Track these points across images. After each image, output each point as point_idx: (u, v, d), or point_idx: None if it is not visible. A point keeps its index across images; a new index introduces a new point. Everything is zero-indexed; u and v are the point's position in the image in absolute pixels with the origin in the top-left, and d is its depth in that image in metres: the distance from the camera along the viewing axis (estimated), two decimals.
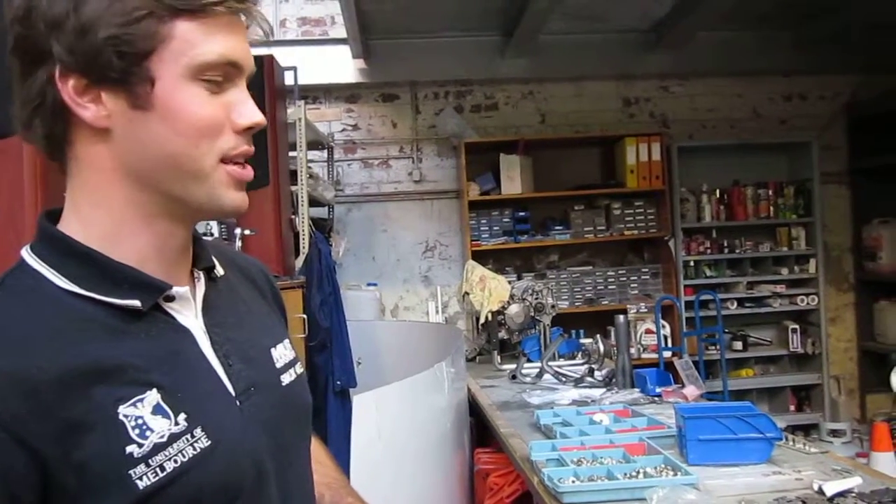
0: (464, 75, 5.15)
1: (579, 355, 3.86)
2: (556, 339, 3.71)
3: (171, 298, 0.81)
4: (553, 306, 4.08)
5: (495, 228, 5.04)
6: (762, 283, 5.31)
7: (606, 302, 5.11)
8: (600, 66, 5.18)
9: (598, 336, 3.59)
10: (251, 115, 0.80)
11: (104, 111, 0.76)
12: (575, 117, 5.30)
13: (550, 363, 3.55)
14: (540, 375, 3.47)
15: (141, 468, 0.72)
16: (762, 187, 5.35)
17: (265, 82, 3.23)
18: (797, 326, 5.32)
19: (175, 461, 0.74)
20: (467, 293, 4.30)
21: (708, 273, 5.30)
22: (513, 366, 3.72)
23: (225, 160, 0.79)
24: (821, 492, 1.71)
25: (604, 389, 3.09)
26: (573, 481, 1.84)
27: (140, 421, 0.74)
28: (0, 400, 0.68)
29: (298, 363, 0.95)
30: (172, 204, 0.80)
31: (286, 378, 0.91)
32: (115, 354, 0.75)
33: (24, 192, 1.74)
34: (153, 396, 0.75)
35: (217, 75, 0.78)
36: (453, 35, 4.90)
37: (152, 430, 0.74)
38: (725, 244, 5.30)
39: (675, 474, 1.84)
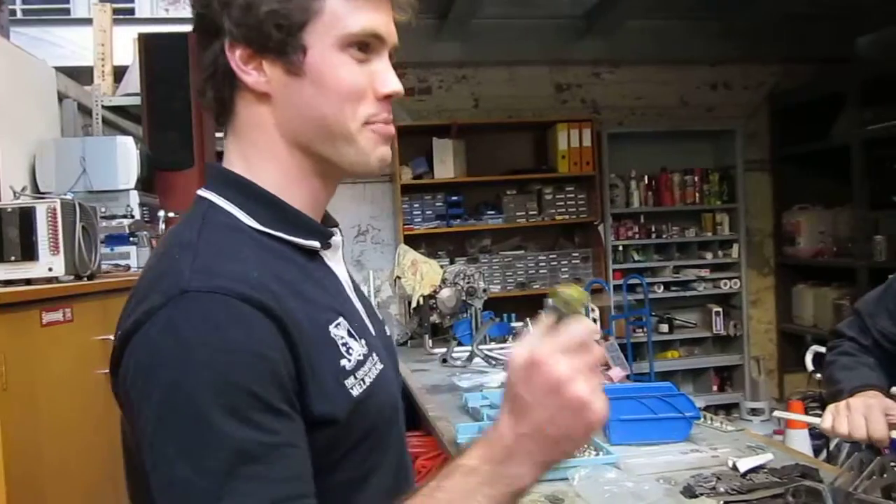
0: (397, 58, 5.10)
1: (510, 339, 3.90)
2: (485, 323, 3.73)
3: (328, 246, 0.93)
4: (485, 290, 4.11)
5: (428, 212, 5.04)
6: (688, 268, 5.46)
7: (538, 286, 5.17)
8: (533, 52, 5.21)
9: (527, 319, 3.62)
10: (392, 83, 0.89)
11: (264, 77, 0.86)
12: (508, 102, 5.31)
13: (481, 347, 3.57)
14: (470, 359, 3.48)
15: (351, 379, 0.84)
16: (689, 174, 5.49)
17: (189, 59, 3.14)
18: (720, 309, 5.50)
19: (370, 377, 0.86)
20: (399, 277, 4.29)
21: (636, 257, 5.42)
22: (444, 350, 3.73)
23: (368, 123, 0.88)
24: (735, 468, 1.76)
25: None
26: None
27: (344, 340, 0.85)
28: (266, 302, 0.76)
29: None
30: (324, 164, 0.90)
31: (387, 329, 1.07)
32: (309, 284, 0.86)
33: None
34: (344, 323, 0.87)
35: (362, 46, 0.86)
36: None
37: (353, 349, 0.86)
38: (653, 229, 5.43)
39: (598, 454, 1.87)
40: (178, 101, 3.17)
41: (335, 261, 0.95)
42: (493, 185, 5.21)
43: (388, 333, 1.07)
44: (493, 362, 3.40)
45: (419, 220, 5.02)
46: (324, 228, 0.93)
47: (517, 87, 5.35)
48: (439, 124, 5.03)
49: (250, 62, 0.86)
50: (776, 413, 1.67)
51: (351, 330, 0.87)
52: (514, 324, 4.20)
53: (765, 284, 5.77)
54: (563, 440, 0.75)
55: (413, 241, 4.85)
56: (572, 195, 5.23)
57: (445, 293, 4.06)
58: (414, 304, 4.23)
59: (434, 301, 4.13)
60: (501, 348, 3.69)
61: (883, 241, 4.60)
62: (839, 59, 5.10)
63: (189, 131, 3.12)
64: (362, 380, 0.85)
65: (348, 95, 0.86)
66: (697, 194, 5.49)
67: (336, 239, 0.94)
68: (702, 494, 1.62)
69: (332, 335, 0.85)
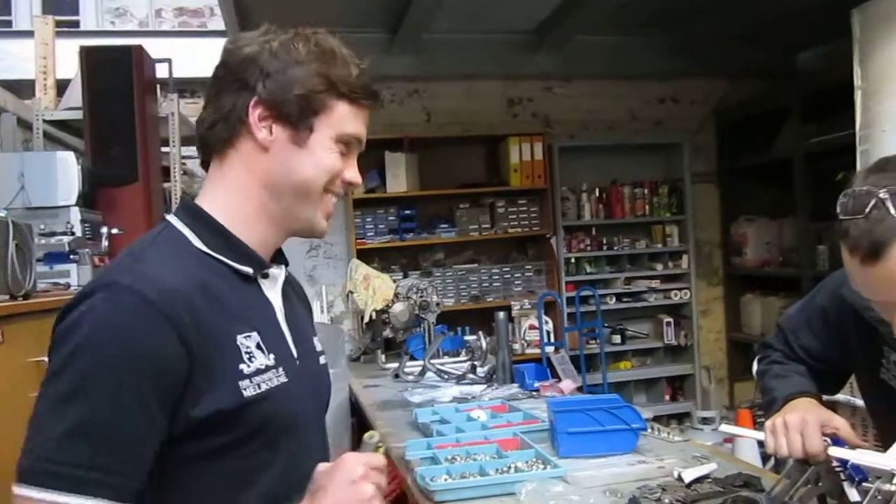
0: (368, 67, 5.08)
1: (463, 352, 3.89)
2: (438, 337, 3.72)
3: (266, 276, 1.15)
4: (438, 304, 4.10)
5: (381, 226, 5.02)
6: (639, 279, 5.52)
7: (491, 299, 5.18)
8: (485, 66, 5.23)
9: (480, 333, 3.62)
10: (356, 176, 1.17)
11: (271, 136, 1.10)
12: (460, 116, 5.33)
13: (433, 361, 3.56)
14: (423, 373, 3.47)
15: (246, 382, 1.03)
16: (638, 186, 5.57)
17: (133, 73, 3.09)
18: (671, 319, 5.58)
19: (267, 384, 1.05)
20: (351, 292, 4.26)
21: (588, 269, 5.47)
22: (397, 364, 3.71)
23: (328, 192, 1.14)
24: (680, 478, 1.78)
25: (484, 386, 3.12)
26: (446, 479, 1.84)
27: (249, 350, 1.05)
28: (172, 307, 0.97)
29: (325, 356, 1.27)
30: (284, 212, 1.13)
31: (321, 360, 1.25)
32: (235, 301, 1.07)
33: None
34: (256, 336, 1.07)
35: (347, 143, 1.14)
36: (337, 30, 4.66)
37: (256, 358, 1.05)
38: (604, 241, 5.49)
39: (545, 467, 1.87)
40: (122, 116, 3.11)
41: (272, 291, 1.16)
42: (445, 198, 5.22)
43: (323, 363, 1.26)
44: (445, 376, 3.39)
45: (372, 234, 5.00)
46: (260, 259, 1.13)
47: (469, 101, 5.37)
48: (392, 138, 5.01)
49: (264, 121, 1.10)
50: (721, 427, 1.69)
51: (261, 344, 1.07)
52: (467, 337, 4.19)
53: (714, 294, 5.87)
54: None
55: (366, 255, 4.83)
56: (525, 208, 5.26)
57: (398, 307, 4.04)
58: (367, 319, 4.20)
59: (387, 315, 4.11)
60: (455, 362, 3.68)
61: (825, 251, 4.71)
62: (783, 75, 5.24)
63: (133, 146, 3.06)
64: (258, 385, 1.04)
65: (328, 171, 1.12)
66: (647, 206, 5.58)
67: (274, 272, 1.16)
68: None
69: (238, 343, 1.04)
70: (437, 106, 5.35)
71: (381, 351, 4.12)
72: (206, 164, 1.17)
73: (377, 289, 4.14)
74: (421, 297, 4.06)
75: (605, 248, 5.49)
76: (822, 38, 4.78)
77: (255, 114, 1.09)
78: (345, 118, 1.12)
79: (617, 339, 5.49)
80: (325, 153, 1.11)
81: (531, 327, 5.11)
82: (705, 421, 5.27)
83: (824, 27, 4.04)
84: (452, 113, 5.33)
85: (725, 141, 5.76)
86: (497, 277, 5.28)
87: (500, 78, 5.42)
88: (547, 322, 5.06)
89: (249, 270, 1.11)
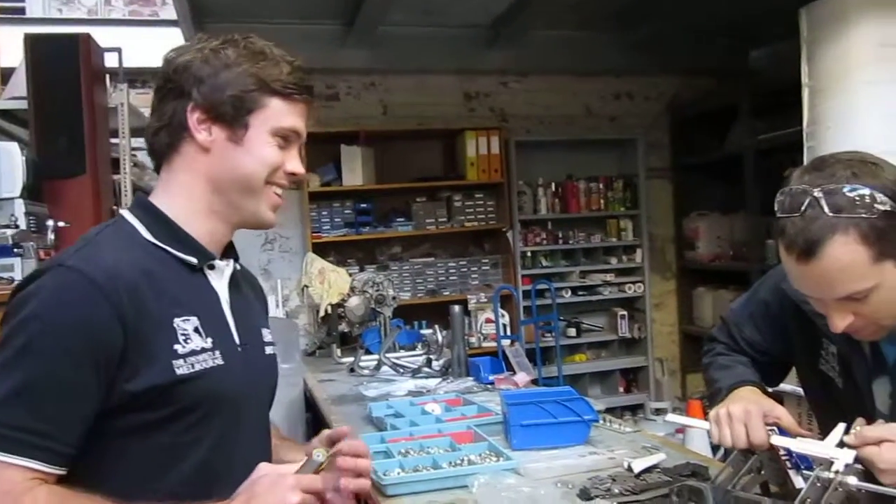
0: (303, 63, 5.03)
1: (419, 346, 3.89)
2: (393, 331, 3.71)
3: (212, 267, 1.24)
4: (394, 298, 4.09)
5: (337, 220, 4.99)
6: (594, 273, 5.58)
7: (448, 293, 5.19)
8: (442, 60, 5.22)
9: (436, 327, 3.63)
10: (298, 166, 1.24)
11: (210, 137, 1.19)
12: (417, 110, 5.32)
13: (389, 355, 3.55)
14: (378, 367, 3.46)
15: (180, 361, 1.11)
16: (593, 181, 5.63)
17: (81, 62, 3.01)
18: (625, 312, 5.65)
19: (202, 365, 1.14)
20: (307, 286, 4.23)
21: (544, 263, 5.51)
22: (352, 359, 3.69)
23: (271, 184, 1.22)
24: (630, 469, 1.81)
25: (440, 379, 3.12)
26: (398, 473, 1.84)
27: (185, 332, 1.14)
28: (113, 288, 1.06)
29: (275, 347, 1.35)
30: (230, 208, 1.22)
31: (268, 350, 1.33)
32: (177, 286, 1.16)
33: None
34: (195, 321, 1.16)
35: (285, 137, 1.21)
36: (292, 22, 4.77)
37: (192, 340, 1.14)
38: (560, 235, 5.53)
39: (498, 460, 1.88)
40: (69, 106, 3.03)
41: (219, 281, 1.25)
42: (402, 192, 5.20)
43: (270, 352, 1.34)
44: (401, 370, 3.39)
45: (328, 227, 4.97)
46: (206, 251, 1.22)
47: (426, 94, 5.36)
48: (347, 131, 4.99)
49: (203, 124, 1.19)
50: (668, 417, 1.71)
51: (200, 328, 1.16)
52: (423, 331, 4.19)
53: (667, 288, 5.97)
54: None
55: (322, 249, 4.79)
56: (481, 202, 5.27)
57: (354, 301, 4.03)
58: (322, 313, 4.17)
59: (342, 310, 4.08)
60: (411, 356, 3.68)
61: (774, 246, 4.81)
62: (735, 73, 5.33)
63: (80, 137, 2.99)
64: (192, 364, 1.12)
65: (268, 165, 1.20)
66: (602, 201, 5.64)
67: (220, 263, 1.25)
68: (597, 496, 1.65)
69: (175, 325, 1.13)
70: (394, 99, 5.33)
71: (337, 345, 4.09)
72: (158, 169, 1.26)
73: (333, 283, 4.11)
74: (377, 291, 4.05)
75: (560, 242, 5.53)
76: (773, 36, 4.88)
77: (193, 118, 1.18)
78: (279, 113, 1.20)
79: (572, 332, 5.55)
80: (262, 148, 1.19)
81: (488, 321, 5.13)
82: (658, 412, 5.36)
83: (776, 26, 4.13)
84: (409, 106, 5.32)
85: (679, 137, 5.86)
86: (454, 271, 5.29)
87: (456, 72, 5.42)
88: (503, 315, 5.09)
89: (194, 260, 1.20)
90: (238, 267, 1.32)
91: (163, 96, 1.21)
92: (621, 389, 5.76)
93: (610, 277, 5.59)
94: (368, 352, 3.80)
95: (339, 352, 4.04)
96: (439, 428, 2.20)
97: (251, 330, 1.29)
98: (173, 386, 1.10)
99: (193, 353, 1.13)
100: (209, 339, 1.16)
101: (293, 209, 5.06)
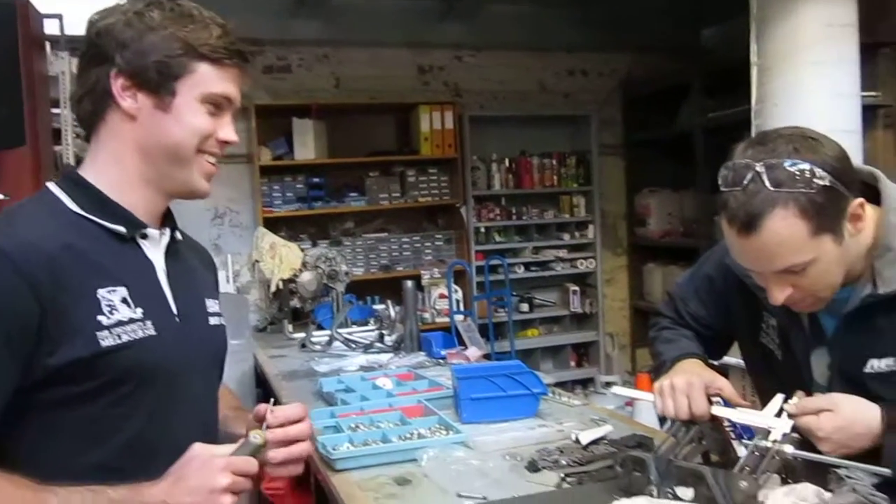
0: (254, 34, 4.93)
1: (372, 322, 3.88)
2: (345, 306, 3.69)
3: (144, 236, 1.18)
4: (347, 273, 4.06)
5: (288, 195, 4.92)
6: (546, 248, 5.62)
7: (401, 268, 5.17)
8: (395, 33, 5.16)
9: (389, 302, 3.62)
10: (230, 134, 1.19)
11: (136, 104, 1.14)
12: (370, 83, 5.24)
13: (341, 330, 3.53)
14: (330, 343, 3.44)
15: (105, 333, 1.07)
16: (547, 157, 5.65)
17: (19, 29, 2.89)
18: (577, 288, 5.71)
19: (129, 336, 1.09)
20: (257, 261, 4.18)
21: (497, 239, 5.53)
22: (304, 334, 3.67)
23: (203, 152, 1.17)
24: (577, 441, 1.83)
25: (392, 354, 3.12)
26: (348, 447, 1.83)
27: (111, 303, 1.09)
28: (26, 261, 1.02)
29: (222, 318, 1.31)
30: (161, 178, 1.18)
31: (213, 321, 1.28)
32: (102, 257, 1.11)
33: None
34: (123, 291, 1.11)
35: (216, 103, 1.17)
36: None
37: (118, 311, 1.09)
38: (513, 211, 5.55)
39: (448, 433, 1.89)
40: (6, 75, 2.90)
41: (154, 250, 1.20)
42: (355, 166, 5.15)
43: (215, 323, 1.29)
44: (353, 345, 3.38)
45: (279, 202, 4.90)
46: (135, 220, 1.17)
47: (379, 68, 5.29)
48: (299, 104, 4.90)
49: (128, 90, 1.14)
50: (614, 390, 1.74)
51: (127, 298, 1.11)
52: (376, 306, 4.18)
53: (618, 264, 6.04)
54: None
55: (273, 224, 4.73)
56: (435, 177, 5.25)
57: (306, 277, 3.99)
58: (273, 289, 4.13)
59: (294, 285, 4.05)
60: (363, 331, 3.67)
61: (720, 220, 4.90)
62: (687, 51, 5.38)
63: (19, 107, 2.87)
64: (118, 335, 1.08)
65: (197, 133, 1.15)
66: (555, 177, 5.66)
67: (153, 233, 1.20)
68: (544, 468, 1.67)
69: (99, 296, 1.08)
70: (347, 72, 5.25)
71: (289, 321, 4.06)
72: (88, 138, 1.20)
73: (284, 258, 4.07)
74: (329, 266, 4.02)
75: (514, 217, 5.55)
76: (724, 15, 4.93)
77: (117, 84, 1.13)
78: (208, 79, 1.15)
79: (525, 307, 5.59)
80: (191, 115, 1.15)
81: (441, 296, 5.14)
82: (608, 386, 5.45)
83: (727, 4, 4.16)
84: (362, 80, 5.24)
85: (631, 114, 5.90)
86: (407, 247, 5.27)
87: (410, 45, 5.36)
88: (456, 291, 5.11)
89: (122, 230, 1.15)
90: (179, 236, 1.27)
91: (86, 62, 1.16)
92: (572, 364, 5.84)
93: (562, 253, 5.64)
94: (320, 327, 3.79)
95: (290, 327, 4.01)
96: (390, 402, 2.20)
97: (192, 300, 1.24)
98: (98, 358, 1.06)
99: (120, 323, 1.09)
100: (139, 310, 1.12)
101: (244, 183, 4.98)
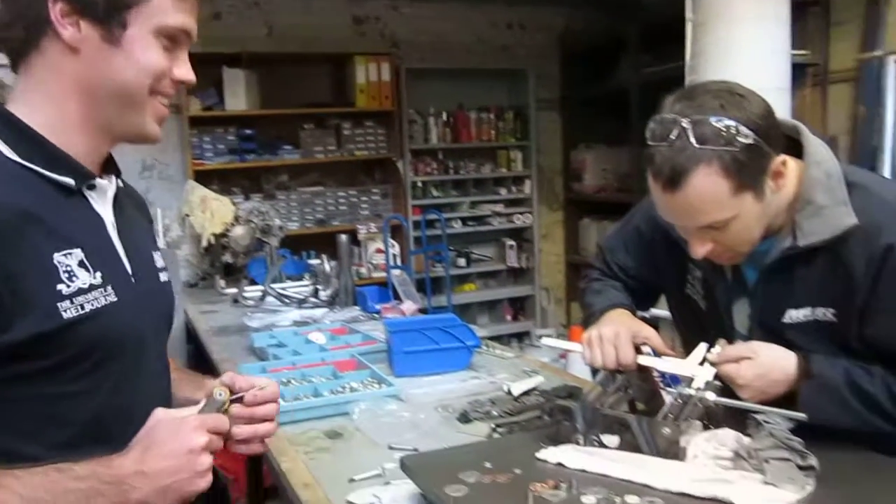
0: None
1: (307, 277, 3.84)
2: (278, 261, 3.64)
3: (92, 187, 1.04)
4: (281, 228, 3.99)
5: (220, 147, 4.79)
6: (483, 203, 5.63)
7: (337, 223, 5.12)
8: None
9: (324, 257, 3.58)
10: (187, 74, 1.05)
11: (79, 35, 0.98)
12: (303, 32, 5.10)
13: (274, 285, 3.48)
14: (263, 298, 3.39)
15: (66, 303, 0.94)
16: (485, 112, 5.63)
17: None
18: (514, 243, 5.76)
19: (92, 305, 0.97)
20: (188, 215, 4.06)
21: (434, 193, 5.51)
22: (237, 290, 3.60)
23: (156, 93, 1.03)
24: (509, 392, 1.85)
25: (326, 309, 3.09)
26: (279, 402, 1.81)
27: (69, 269, 0.96)
28: None
29: (168, 273, 1.19)
30: (107, 121, 1.02)
31: (162, 277, 1.17)
32: (54, 216, 0.96)
33: None
34: (79, 253, 0.97)
35: (172, 38, 1.02)
36: None
37: (78, 278, 0.96)
38: (451, 165, 5.52)
39: (380, 387, 1.89)
40: None
41: (102, 203, 1.06)
42: (289, 118, 5.03)
43: (164, 279, 1.17)
44: (287, 300, 3.33)
45: (210, 154, 4.76)
46: (84, 170, 1.02)
47: (312, 16, 5.14)
48: (230, 53, 4.73)
49: (69, 18, 0.97)
50: (544, 341, 1.76)
51: (85, 261, 0.98)
52: (311, 261, 4.13)
53: (554, 219, 6.10)
54: (168, 492, 0.93)
55: (204, 177, 4.60)
56: (371, 130, 5.18)
57: (238, 231, 3.90)
58: (205, 244, 4.03)
59: (226, 240, 3.96)
60: (298, 286, 3.62)
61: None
62: (624, 6, 5.38)
63: None
64: (81, 305, 0.96)
65: (151, 72, 1.01)
66: (493, 132, 5.65)
67: (102, 183, 1.05)
68: (476, 419, 1.68)
69: (55, 262, 0.95)
70: (279, 20, 5.09)
71: (221, 276, 3.98)
72: (15, 68, 1.03)
73: (215, 212, 3.96)
74: (263, 220, 3.94)
75: (451, 172, 5.53)
76: None
77: (56, 9, 0.96)
78: (164, 9, 1.00)
79: (462, 262, 5.62)
80: (144, 51, 1.00)
81: (377, 251, 5.10)
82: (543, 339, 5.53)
83: None
84: (295, 28, 5.09)
85: (569, 69, 5.90)
86: (343, 201, 5.21)
87: None
88: (393, 246, 5.07)
89: (70, 182, 1.00)
90: (121, 184, 1.13)
91: None
92: (509, 318, 5.91)
93: (499, 208, 5.66)
94: (253, 282, 3.73)
95: (222, 283, 3.93)
96: (322, 357, 2.19)
97: (142, 257, 1.11)
98: (61, 332, 0.94)
99: (81, 291, 0.96)
100: (98, 274, 0.98)
101: (172, 135, 4.81)
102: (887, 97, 3.74)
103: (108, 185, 1.07)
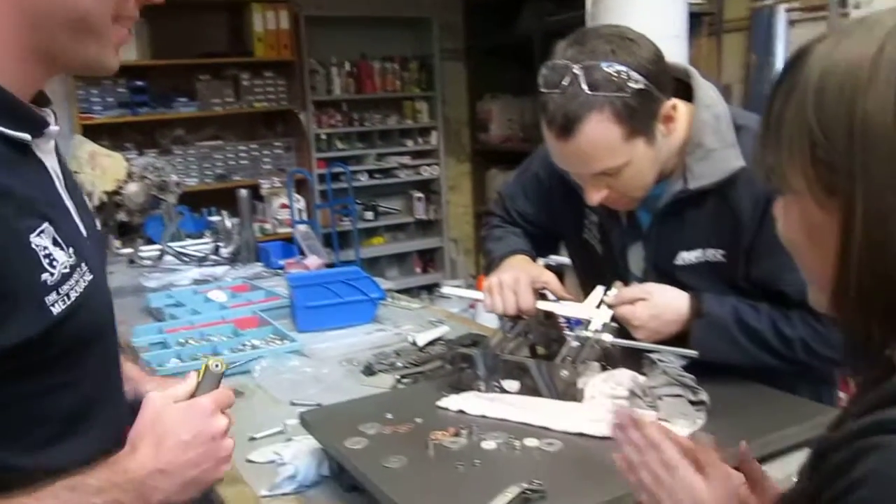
0: None
1: (207, 234, 3.72)
2: (175, 218, 3.50)
3: (40, 135, 0.82)
4: (178, 184, 3.81)
5: (109, 100, 4.53)
6: (390, 155, 5.57)
7: (239, 178, 4.96)
8: None
9: (224, 213, 3.47)
10: None
11: None
12: None
13: (173, 243, 3.36)
14: (161, 257, 3.27)
15: (53, 296, 0.77)
16: (389, 61, 5.52)
17: None
18: (422, 195, 5.73)
19: (76, 291, 0.80)
20: (76, 172, 3.84)
21: (339, 146, 5.40)
22: (132, 249, 3.46)
23: (117, 19, 0.82)
24: (414, 343, 1.85)
25: (227, 266, 3.01)
26: (175, 362, 1.75)
27: (47, 251, 0.77)
28: None
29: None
30: (57, 52, 0.81)
31: (98, 223, 0.94)
32: (15, 182, 0.76)
33: None
34: (49, 229, 0.79)
35: None
36: None
37: (58, 261, 0.78)
38: (355, 117, 5.42)
39: (283, 343, 1.85)
40: None
41: (46, 152, 0.85)
42: (183, 69, 4.80)
43: (99, 227, 1.01)
44: (186, 259, 3.22)
45: (99, 108, 4.51)
46: (38, 115, 0.82)
47: None
48: None
49: None
50: (443, 289, 1.76)
51: (57, 237, 0.79)
52: (212, 218, 4.00)
53: (462, 170, 6.09)
54: (191, 486, 0.84)
55: (94, 132, 4.34)
56: (271, 81, 5.01)
57: (132, 188, 3.71)
58: (96, 202, 3.83)
59: (120, 197, 3.78)
60: (198, 244, 3.51)
61: None
62: None
63: None
64: (67, 295, 0.79)
65: None
66: (398, 82, 5.56)
67: (53, 130, 0.84)
68: (380, 371, 1.67)
69: (34, 245, 0.76)
70: None
71: (115, 236, 3.80)
72: None
73: (107, 169, 3.75)
74: (158, 176, 3.74)
75: (355, 124, 5.43)
76: None
77: None
78: None
79: (369, 215, 5.56)
80: None
81: (282, 206, 5.00)
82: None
83: None
84: None
85: (473, 18, 5.84)
86: (244, 155, 5.05)
87: None
88: (298, 200, 4.98)
89: (27, 137, 0.80)
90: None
91: None
92: (418, 270, 5.92)
93: (406, 160, 5.61)
94: (150, 241, 3.58)
95: (117, 242, 3.76)
96: (223, 315, 2.13)
97: (85, 208, 0.94)
98: (51, 330, 0.77)
99: (65, 277, 0.79)
100: (71, 250, 0.81)
101: (56, 87, 4.50)
102: (777, 46, 3.86)
103: (54, 129, 0.87)
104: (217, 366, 0.92)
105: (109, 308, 0.91)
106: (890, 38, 0.56)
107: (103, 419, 0.88)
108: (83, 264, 0.82)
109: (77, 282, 0.80)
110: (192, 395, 0.89)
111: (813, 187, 0.58)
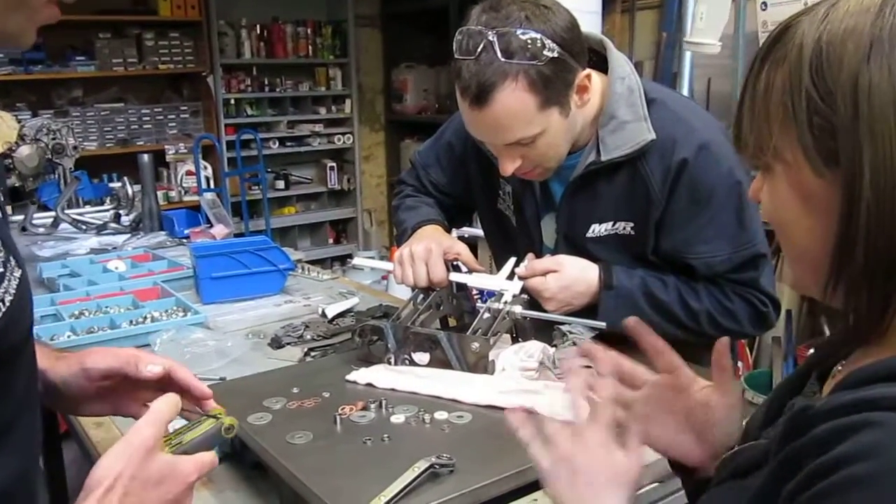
0: None
1: (108, 201, 3.55)
2: (71, 183, 3.32)
3: None
4: (76, 148, 3.62)
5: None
6: (302, 123, 5.43)
7: (142, 142, 4.75)
8: None
9: (126, 179, 3.32)
10: None
11: None
12: None
13: (69, 211, 3.19)
14: (56, 225, 3.10)
15: None
16: (301, 25, 5.36)
17: None
18: (335, 164, 5.63)
19: (9, 293, 0.69)
20: None
21: (249, 112, 5.23)
22: (24, 216, 3.26)
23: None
24: (323, 315, 1.80)
25: (129, 235, 2.87)
26: (69, 336, 1.66)
27: None
28: None
29: None
30: None
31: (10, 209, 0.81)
32: None
33: None
34: None
35: None
36: None
37: None
38: (266, 82, 5.25)
39: (186, 315, 1.78)
40: None
41: None
42: (81, 26, 4.51)
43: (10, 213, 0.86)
44: (84, 227, 3.06)
45: None
46: None
47: None
48: None
49: None
50: (355, 261, 1.73)
51: None
52: (112, 184, 3.82)
53: (376, 140, 6.01)
54: None
55: None
56: (177, 42, 4.79)
57: (24, 151, 3.50)
58: None
59: (11, 161, 3.56)
60: (97, 211, 3.34)
61: None
62: None
63: None
64: (1, 300, 0.68)
65: None
66: (310, 47, 5.41)
67: None
68: (288, 344, 1.63)
69: None
70: None
71: (6, 201, 3.58)
72: None
73: None
74: (54, 139, 3.56)
75: (266, 89, 5.26)
76: None
77: None
78: None
79: (280, 184, 5.43)
80: None
81: (189, 173, 4.82)
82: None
83: None
84: None
85: None
86: (148, 118, 4.83)
87: None
88: (205, 167, 4.81)
89: None
90: None
91: None
92: (330, 241, 5.83)
93: (319, 128, 5.48)
94: (44, 208, 3.39)
95: (9, 209, 3.54)
96: (122, 286, 2.03)
97: None
98: None
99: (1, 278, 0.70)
100: None
101: None
102: (687, 22, 3.94)
103: None
104: (230, 429, 0.85)
105: (32, 303, 0.78)
106: (886, 2, 0.56)
107: (25, 431, 0.77)
108: (11, 258, 0.71)
109: (9, 280, 0.70)
110: (184, 441, 0.81)
111: (811, 155, 0.57)
